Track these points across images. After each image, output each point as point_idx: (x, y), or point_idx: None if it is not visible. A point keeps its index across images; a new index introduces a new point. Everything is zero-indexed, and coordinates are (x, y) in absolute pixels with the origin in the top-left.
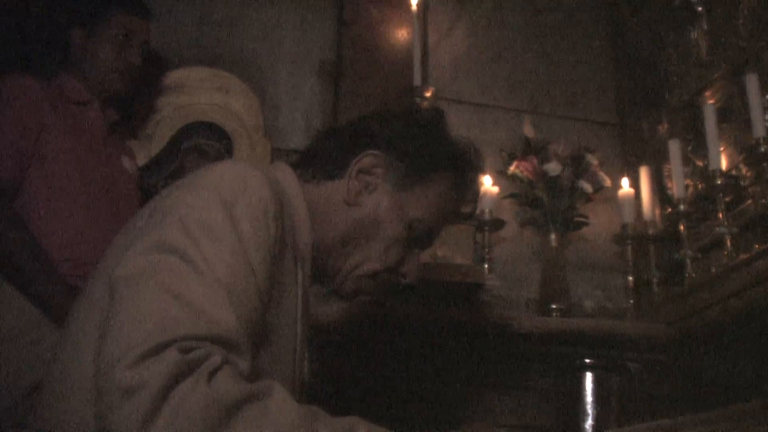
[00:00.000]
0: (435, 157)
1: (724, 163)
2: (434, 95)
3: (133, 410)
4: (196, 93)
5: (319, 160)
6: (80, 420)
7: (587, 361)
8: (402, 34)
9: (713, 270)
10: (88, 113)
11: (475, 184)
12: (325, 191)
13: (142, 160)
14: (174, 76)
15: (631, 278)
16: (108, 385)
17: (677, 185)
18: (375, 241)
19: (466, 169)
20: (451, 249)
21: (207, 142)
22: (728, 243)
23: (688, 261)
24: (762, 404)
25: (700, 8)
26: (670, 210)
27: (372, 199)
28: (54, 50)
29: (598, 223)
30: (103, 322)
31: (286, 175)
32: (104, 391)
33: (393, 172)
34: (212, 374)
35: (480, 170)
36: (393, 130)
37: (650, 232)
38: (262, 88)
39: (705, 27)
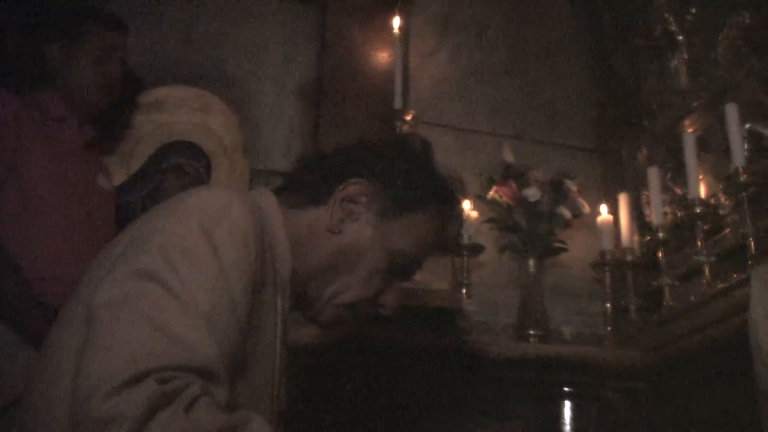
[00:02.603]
0: (421, 189)
1: (703, 192)
2: (415, 118)
3: None
4: (177, 112)
5: (303, 185)
6: None
7: (566, 389)
8: (384, 57)
9: (692, 298)
10: (65, 129)
11: (459, 218)
12: (308, 218)
13: (120, 178)
14: (155, 95)
15: (609, 305)
16: (84, 417)
17: (656, 213)
18: (356, 270)
19: (451, 203)
20: (429, 274)
21: (186, 161)
22: (707, 271)
23: (666, 289)
24: None
25: (680, 38)
26: (648, 237)
27: (355, 227)
28: (31, 66)
29: (577, 249)
30: (81, 349)
31: (267, 200)
32: (80, 422)
33: (378, 201)
34: (190, 405)
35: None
36: (380, 159)
37: (628, 258)
38: (243, 108)
39: (685, 56)
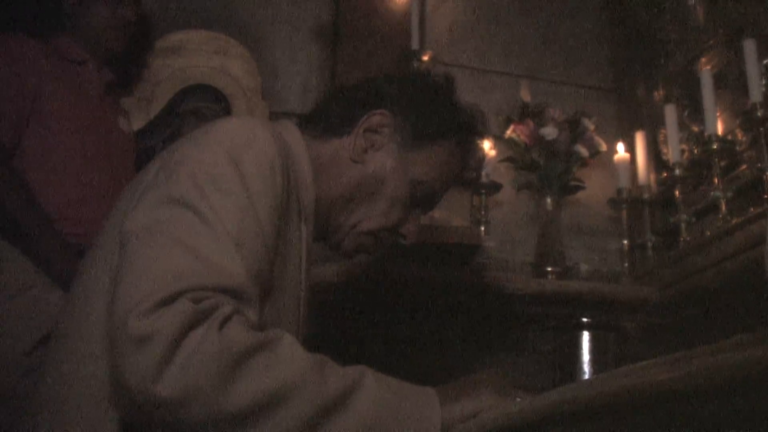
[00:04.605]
0: (443, 121)
1: (719, 129)
2: (432, 59)
3: (146, 359)
4: (195, 56)
5: (327, 116)
6: (93, 371)
7: (584, 320)
8: None
9: (707, 234)
10: (84, 73)
11: (480, 151)
12: (331, 148)
13: (140, 123)
14: (172, 39)
15: (626, 242)
16: (121, 335)
17: (672, 150)
18: (378, 199)
19: (472, 135)
20: (448, 211)
21: (205, 105)
22: (723, 207)
23: (683, 225)
24: None
25: None
26: (665, 175)
27: (377, 157)
28: (47, 10)
29: (594, 188)
30: (115, 274)
31: (290, 131)
32: (117, 340)
33: (400, 132)
34: (223, 323)
35: (485, 137)
36: (404, 91)
37: (645, 196)
38: (259, 52)
39: None
